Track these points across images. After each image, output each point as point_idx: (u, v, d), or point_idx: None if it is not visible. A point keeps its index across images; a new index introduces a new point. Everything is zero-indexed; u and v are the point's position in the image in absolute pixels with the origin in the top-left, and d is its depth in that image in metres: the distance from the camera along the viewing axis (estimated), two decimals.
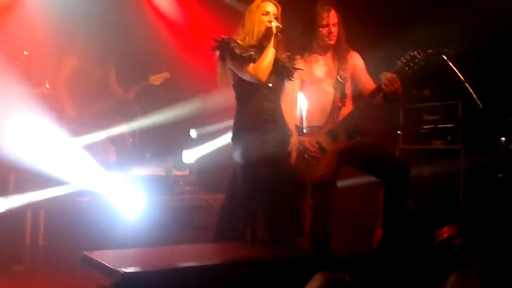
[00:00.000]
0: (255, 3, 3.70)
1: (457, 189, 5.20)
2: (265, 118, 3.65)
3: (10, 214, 4.91)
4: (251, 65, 3.56)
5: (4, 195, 4.93)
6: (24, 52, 5.93)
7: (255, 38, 3.65)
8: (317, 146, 3.89)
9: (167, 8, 6.89)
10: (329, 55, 4.11)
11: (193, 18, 6.90)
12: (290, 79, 3.81)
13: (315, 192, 4.04)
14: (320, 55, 4.10)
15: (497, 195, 4.80)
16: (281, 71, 3.71)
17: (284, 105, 3.83)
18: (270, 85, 3.68)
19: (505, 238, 4.08)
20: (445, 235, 4.31)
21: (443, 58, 3.76)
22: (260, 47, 3.64)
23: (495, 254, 3.67)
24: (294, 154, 3.76)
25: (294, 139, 3.78)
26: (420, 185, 5.47)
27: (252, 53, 3.59)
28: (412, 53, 3.78)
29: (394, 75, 3.78)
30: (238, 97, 3.75)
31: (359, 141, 3.95)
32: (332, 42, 4.03)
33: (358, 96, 4.10)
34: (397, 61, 3.83)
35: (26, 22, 5.99)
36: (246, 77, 3.60)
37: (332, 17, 4.01)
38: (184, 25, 6.90)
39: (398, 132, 5.79)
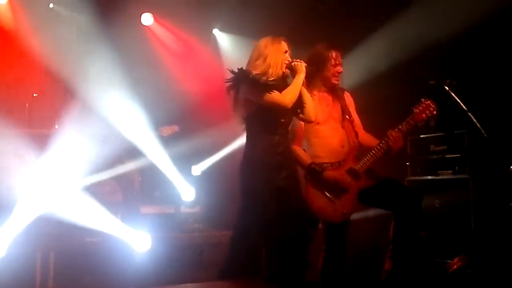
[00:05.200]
0: (277, 41, 3.80)
1: (467, 219, 5.17)
2: (276, 151, 3.67)
3: (20, 256, 4.91)
4: (276, 92, 3.64)
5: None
6: (34, 94, 6.04)
7: (276, 75, 3.74)
8: (349, 179, 3.88)
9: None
10: (328, 95, 4.12)
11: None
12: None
13: (331, 230, 3.99)
14: (322, 92, 4.10)
15: (508, 224, 4.76)
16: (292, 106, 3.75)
17: (293, 144, 3.91)
18: (283, 120, 3.74)
19: None
20: (456, 266, 4.28)
21: (446, 89, 3.76)
22: (278, 82, 3.73)
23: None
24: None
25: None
26: (430, 216, 5.45)
27: (273, 83, 3.69)
28: (427, 102, 3.87)
29: (400, 135, 3.87)
30: (249, 130, 3.78)
31: (377, 180, 3.94)
32: (337, 82, 4.09)
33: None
34: (413, 108, 3.90)
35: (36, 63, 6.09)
36: (270, 104, 3.64)
37: (339, 56, 4.09)
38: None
39: (407, 163, 5.80)
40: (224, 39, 7.34)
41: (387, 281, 3.90)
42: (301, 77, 3.73)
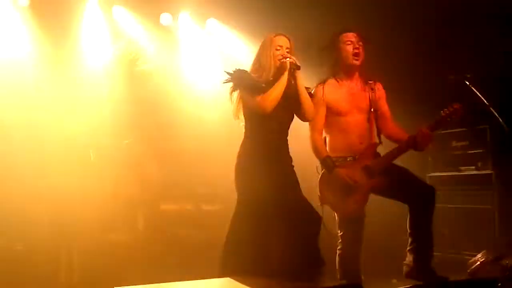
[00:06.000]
0: (268, 38, 3.75)
1: (491, 215, 5.12)
2: (271, 149, 3.67)
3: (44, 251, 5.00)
4: (260, 96, 3.61)
5: None
6: None
7: (271, 74, 3.69)
8: (356, 180, 3.86)
9: None
10: (355, 82, 4.04)
11: None
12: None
13: (345, 224, 3.99)
14: (346, 81, 4.02)
15: None
16: (292, 104, 3.71)
17: (312, 134, 3.89)
18: (275, 116, 3.67)
19: None
20: (479, 262, 4.24)
21: (466, 83, 3.73)
22: (274, 82, 3.67)
23: None
24: None
25: None
26: (453, 211, 5.42)
27: (263, 85, 3.64)
28: (455, 107, 3.78)
29: (430, 133, 3.81)
30: (246, 127, 3.77)
31: (391, 179, 3.88)
32: (358, 62, 3.96)
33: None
34: (441, 112, 3.81)
35: None
36: (253, 108, 3.65)
37: (356, 37, 3.99)
38: None
39: (428, 159, 5.76)
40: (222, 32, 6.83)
41: (408, 274, 3.88)
42: (284, 76, 3.63)
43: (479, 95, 3.69)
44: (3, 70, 5.43)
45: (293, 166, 3.76)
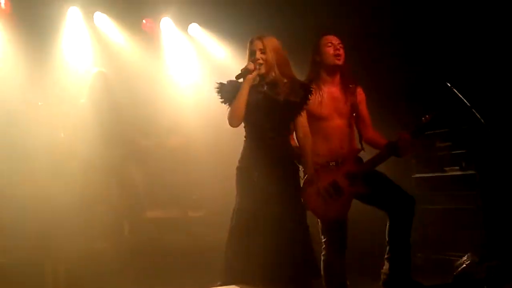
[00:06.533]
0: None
1: (477, 215, 5.13)
2: (263, 154, 3.62)
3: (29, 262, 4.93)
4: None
5: None
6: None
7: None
8: (331, 192, 3.83)
9: None
10: (336, 87, 4.02)
11: None
12: (298, 113, 3.70)
13: (328, 230, 3.97)
14: (328, 86, 3.99)
15: None
16: (282, 107, 3.64)
17: (302, 139, 3.78)
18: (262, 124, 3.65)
19: None
20: (465, 264, 4.24)
21: (448, 85, 3.74)
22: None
23: None
24: None
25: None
26: (438, 212, 5.42)
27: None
28: (435, 113, 3.81)
29: (411, 139, 3.83)
30: (246, 134, 3.75)
31: (374, 185, 3.88)
32: (340, 62, 3.95)
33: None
34: (422, 118, 3.84)
35: None
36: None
37: (336, 39, 4.01)
38: None
39: (412, 160, 5.77)
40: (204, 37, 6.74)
41: (386, 283, 3.88)
42: (243, 88, 3.59)
43: (461, 96, 3.70)
44: None
45: (295, 168, 3.74)
